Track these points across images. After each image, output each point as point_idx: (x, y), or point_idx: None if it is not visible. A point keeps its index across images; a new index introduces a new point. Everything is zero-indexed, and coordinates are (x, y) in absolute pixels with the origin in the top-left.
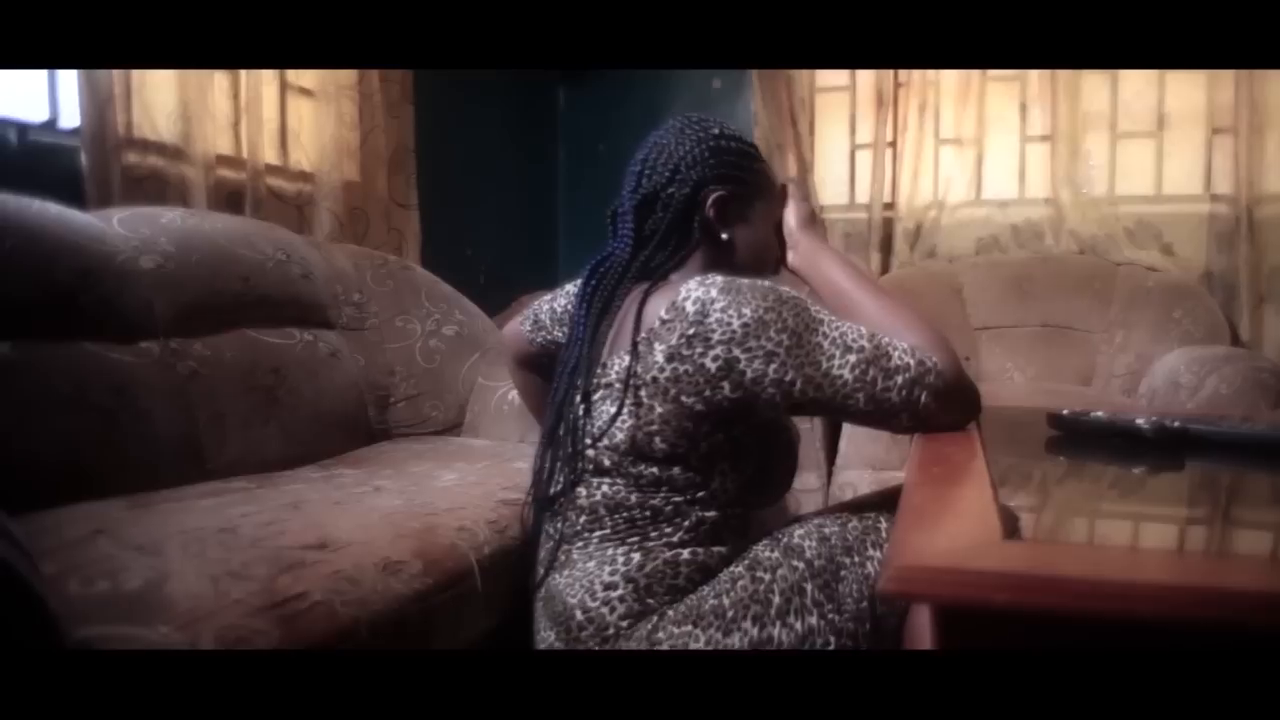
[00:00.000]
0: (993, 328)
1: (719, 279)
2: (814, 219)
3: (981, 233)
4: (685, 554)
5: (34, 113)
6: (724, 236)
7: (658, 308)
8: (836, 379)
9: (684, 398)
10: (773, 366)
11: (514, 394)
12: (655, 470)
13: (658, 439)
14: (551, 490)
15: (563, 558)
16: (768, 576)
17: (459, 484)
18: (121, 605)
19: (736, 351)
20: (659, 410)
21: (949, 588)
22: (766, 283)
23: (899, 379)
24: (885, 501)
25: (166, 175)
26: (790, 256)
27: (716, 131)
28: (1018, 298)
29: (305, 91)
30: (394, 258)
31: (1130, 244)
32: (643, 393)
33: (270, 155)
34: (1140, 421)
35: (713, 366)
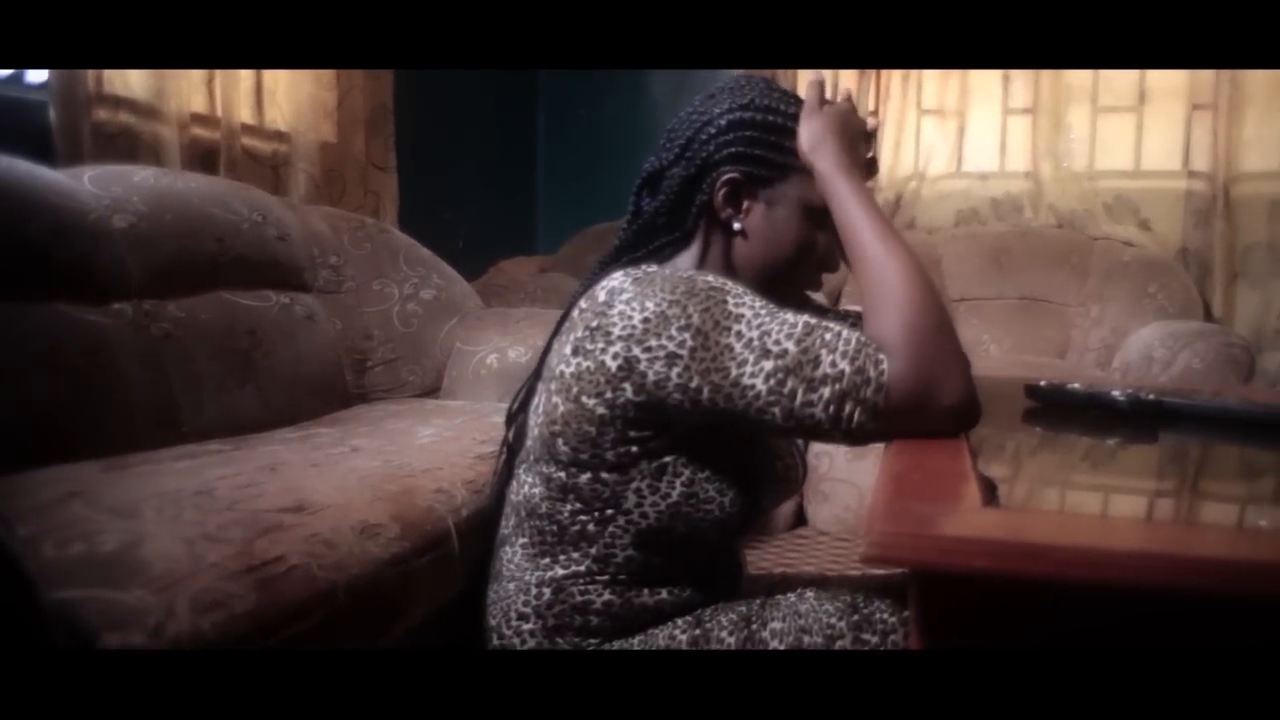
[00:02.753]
0: (970, 299)
1: (650, 268)
2: (838, 129)
3: (961, 205)
4: (597, 602)
5: None
6: (736, 226)
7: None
8: (748, 389)
9: (584, 398)
10: (675, 370)
11: (492, 358)
12: (562, 475)
13: (560, 440)
14: (496, 473)
15: (495, 565)
16: None
17: (435, 440)
18: (97, 568)
19: (636, 350)
20: (561, 409)
21: (930, 554)
22: (690, 273)
23: (824, 392)
24: (897, 601)
25: (139, 133)
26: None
27: (746, 100)
28: (996, 270)
29: None
30: (371, 220)
31: (1108, 219)
32: (552, 385)
33: (245, 114)
34: (1116, 394)
35: (613, 365)
